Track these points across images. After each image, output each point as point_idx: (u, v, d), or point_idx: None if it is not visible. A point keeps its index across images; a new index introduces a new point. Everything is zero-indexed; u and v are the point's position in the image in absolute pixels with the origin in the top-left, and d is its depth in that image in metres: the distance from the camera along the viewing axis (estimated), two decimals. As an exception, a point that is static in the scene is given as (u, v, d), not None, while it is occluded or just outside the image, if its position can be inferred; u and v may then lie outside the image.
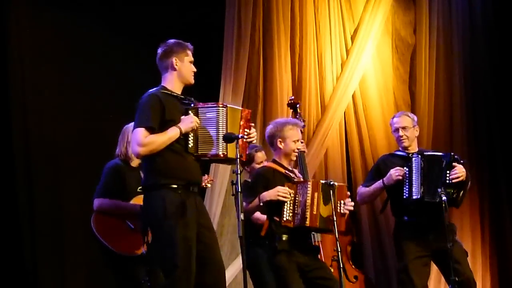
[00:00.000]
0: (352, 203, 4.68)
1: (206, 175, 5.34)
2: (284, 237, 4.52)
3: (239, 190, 3.94)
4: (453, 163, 4.98)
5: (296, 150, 4.70)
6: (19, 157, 5.69)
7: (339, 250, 4.54)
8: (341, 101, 7.11)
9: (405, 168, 5.01)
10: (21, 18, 5.83)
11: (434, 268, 5.38)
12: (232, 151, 4.05)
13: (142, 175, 4.85)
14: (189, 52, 4.22)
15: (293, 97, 5.38)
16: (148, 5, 6.38)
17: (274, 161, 4.74)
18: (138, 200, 4.74)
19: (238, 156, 4.01)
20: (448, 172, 4.96)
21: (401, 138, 5.16)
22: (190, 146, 4.04)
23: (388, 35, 7.68)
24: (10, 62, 5.74)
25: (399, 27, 7.76)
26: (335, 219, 4.45)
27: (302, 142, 4.81)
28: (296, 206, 4.48)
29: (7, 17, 5.76)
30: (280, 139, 4.68)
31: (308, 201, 4.44)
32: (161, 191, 3.99)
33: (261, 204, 4.49)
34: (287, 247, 4.52)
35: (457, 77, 7.74)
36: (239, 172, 4.00)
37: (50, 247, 5.74)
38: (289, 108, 5.33)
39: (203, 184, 5.20)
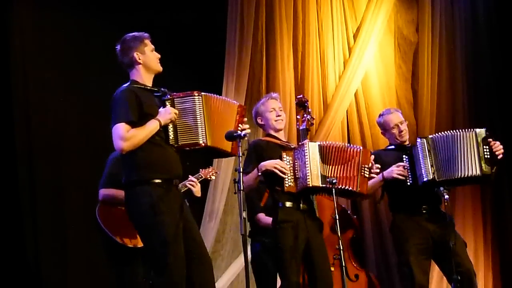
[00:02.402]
0: (378, 168, 4.74)
1: (210, 167, 5.33)
2: (288, 204, 4.56)
3: (241, 188, 3.94)
4: (489, 139, 4.97)
5: (277, 118, 4.77)
6: (21, 153, 5.72)
7: (341, 248, 4.55)
8: (344, 100, 7.11)
9: (404, 157, 5.00)
10: (23, 18, 5.85)
11: (436, 266, 5.38)
12: (210, 140, 4.02)
13: None
14: (147, 41, 4.16)
15: (301, 96, 5.40)
16: (151, 3, 6.39)
17: (268, 135, 4.83)
18: None
19: (240, 154, 4.02)
20: (486, 147, 4.94)
21: (403, 132, 5.15)
22: (170, 137, 4.00)
23: (391, 33, 7.68)
24: (13, 61, 5.76)
25: (402, 26, 7.76)
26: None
27: (280, 110, 4.82)
28: (296, 171, 4.54)
29: (10, 17, 5.78)
30: (259, 117, 4.84)
31: (308, 162, 4.50)
32: (147, 187, 3.90)
33: (260, 174, 4.49)
34: (290, 217, 4.53)
35: (459, 75, 7.74)
36: (241, 171, 4.01)
37: (52, 241, 5.77)
38: (298, 106, 5.35)
39: (208, 176, 5.20)
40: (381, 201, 5.49)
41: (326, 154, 4.60)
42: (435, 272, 6.51)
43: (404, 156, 5.01)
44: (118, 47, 4.18)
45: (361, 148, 4.72)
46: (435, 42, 7.69)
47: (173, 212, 3.92)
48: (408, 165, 4.97)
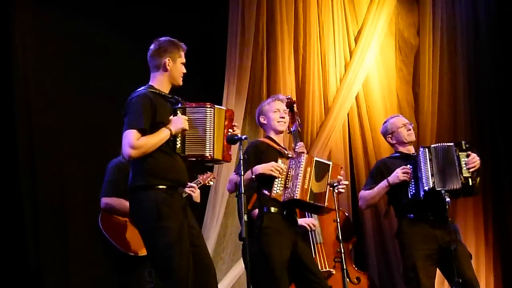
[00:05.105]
0: (346, 183, 4.73)
1: (208, 172, 5.34)
2: (273, 210, 4.52)
3: (242, 191, 3.94)
4: (468, 152, 5.02)
5: (280, 120, 4.74)
6: (22, 153, 5.70)
7: (342, 251, 4.55)
8: (345, 103, 7.11)
9: (409, 166, 5.02)
10: (24, 18, 5.85)
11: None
12: (218, 152, 4.03)
13: None
14: (182, 53, 4.16)
15: (289, 96, 5.36)
16: (152, 5, 6.40)
17: (268, 137, 4.79)
18: None
19: (241, 157, 4.03)
20: (464, 160, 4.99)
21: (411, 131, 5.23)
22: (177, 146, 4.00)
23: (392, 36, 7.68)
24: (14, 60, 5.75)
25: (403, 29, 7.76)
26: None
27: (285, 112, 4.79)
28: (287, 181, 4.50)
29: (11, 17, 5.78)
30: (262, 116, 4.79)
31: (301, 175, 4.47)
32: (151, 192, 3.91)
33: (253, 176, 4.45)
34: (274, 223, 4.49)
35: (460, 78, 7.74)
36: (242, 174, 4.00)
37: (54, 242, 5.75)
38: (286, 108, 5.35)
39: (206, 181, 5.20)
40: (387, 215, 5.50)
41: (319, 169, 4.57)
42: (436, 275, 6.49)
43: (409, 166, 5.03)
44: (152, 46, 4.16)
45: (332, 163, 4.70)
46: (436, 45, 7.70)
47: (177, 217, 3.92)
48: (411, 173, 4.99)
